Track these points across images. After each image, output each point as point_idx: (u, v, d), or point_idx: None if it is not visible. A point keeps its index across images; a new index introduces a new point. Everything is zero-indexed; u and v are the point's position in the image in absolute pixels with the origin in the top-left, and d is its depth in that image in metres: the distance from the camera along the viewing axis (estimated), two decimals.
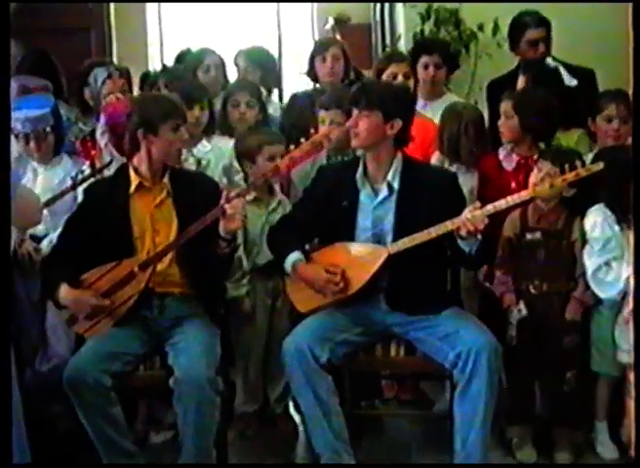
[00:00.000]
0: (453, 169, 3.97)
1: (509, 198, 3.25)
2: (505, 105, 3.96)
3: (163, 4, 8.50)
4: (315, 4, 8.51)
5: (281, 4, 8.69)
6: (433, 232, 3.25)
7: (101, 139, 3.98)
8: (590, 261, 3.51)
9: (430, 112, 4.47)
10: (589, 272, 3.51)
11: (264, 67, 5.03)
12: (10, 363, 2.59)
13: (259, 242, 3.83)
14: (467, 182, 3.87)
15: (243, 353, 3.92)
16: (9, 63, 3.04)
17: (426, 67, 4.60)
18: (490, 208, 3.21)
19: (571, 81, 4.32)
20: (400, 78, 4.37)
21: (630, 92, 2.93)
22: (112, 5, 7.23)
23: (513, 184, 3.81)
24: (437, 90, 4.68)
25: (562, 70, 4.36)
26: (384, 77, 4.39)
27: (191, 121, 4.01)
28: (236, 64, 5.10)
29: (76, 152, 4.13)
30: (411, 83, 4.42)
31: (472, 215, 3.16)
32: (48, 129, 3.90)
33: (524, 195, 3.31)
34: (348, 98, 3.51)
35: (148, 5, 8.26)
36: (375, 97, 3.39)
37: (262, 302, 3.91)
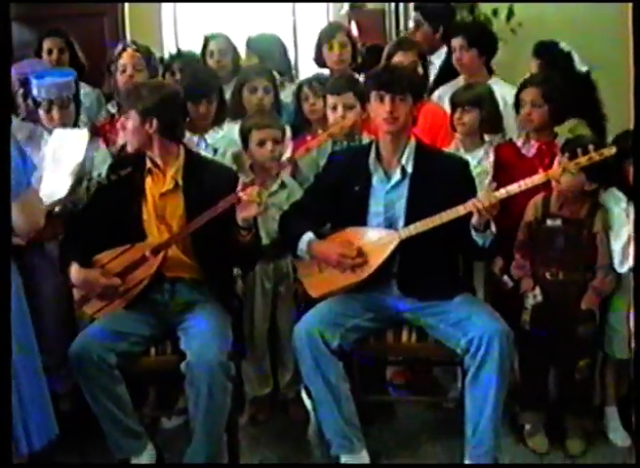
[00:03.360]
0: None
1: (522, 182, 3.21)
2: (532, 93, 3.81)
3: None
4: None
5: None
6: (445, 217, 3.23)
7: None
8: (619, 237, 3.48)
9: None
10: (619, 247, 3.47)
11: (265, 55, 4.95)
12: (10, 360, 2.58)
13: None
14: None
15: (247, 336, 3.88)
16: (9, 64, 3.04)
17: (455, 50, 4.53)
18: (503, 191, 3.18)
19: (582, 67, 4.26)
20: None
21: (631, 91, 2.91)
22: None
23: (540, 170, 3.65)
24: (474, 73, 4.50)
25: (574, 55, 4.27)
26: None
27: (197, 116, 4.00)
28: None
29: (97, 133, 4.06)
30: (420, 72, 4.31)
31: (482, 194, 3.16)
32: (70, 97, 3.86)
33: (537, 179, 3.25)
34: (379, 82, 3.40)
35: None
36: (407, 82, 3.38)
37: (261, 284, 3.89)
